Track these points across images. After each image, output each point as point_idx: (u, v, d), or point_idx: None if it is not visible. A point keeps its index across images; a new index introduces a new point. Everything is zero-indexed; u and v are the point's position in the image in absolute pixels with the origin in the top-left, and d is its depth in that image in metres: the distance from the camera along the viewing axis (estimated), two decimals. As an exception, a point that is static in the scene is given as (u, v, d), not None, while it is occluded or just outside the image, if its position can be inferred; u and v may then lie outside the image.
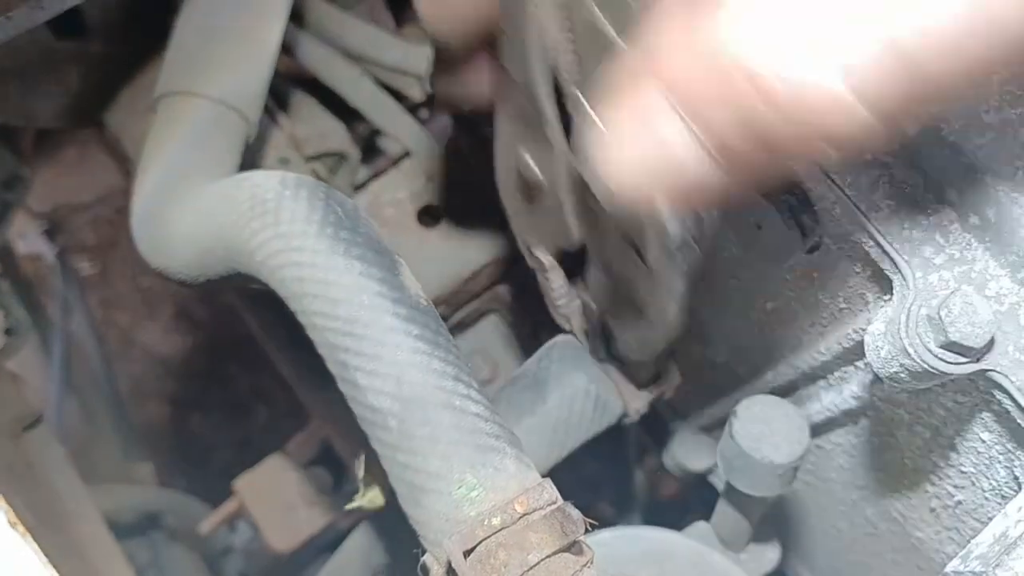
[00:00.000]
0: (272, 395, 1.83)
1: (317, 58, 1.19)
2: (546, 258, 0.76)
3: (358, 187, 1.18)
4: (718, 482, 0.93)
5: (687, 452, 0.92)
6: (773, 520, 0.88)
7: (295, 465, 1.16)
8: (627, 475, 1.24)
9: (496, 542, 0.60)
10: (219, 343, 1.91)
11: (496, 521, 0.60)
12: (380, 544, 1.00)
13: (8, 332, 1.08)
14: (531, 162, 0.69)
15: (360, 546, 1.01)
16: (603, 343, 0.77)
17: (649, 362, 0.77)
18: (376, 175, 1.16)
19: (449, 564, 0.60)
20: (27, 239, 1.53)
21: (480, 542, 0.59)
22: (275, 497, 1.14)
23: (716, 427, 0.90)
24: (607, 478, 1.27)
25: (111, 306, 1.90)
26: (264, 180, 0.70)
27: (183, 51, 0.88)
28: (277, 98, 1.17)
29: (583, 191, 0.64)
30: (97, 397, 1.63)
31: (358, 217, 0.69)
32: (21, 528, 0.49)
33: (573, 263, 0.76)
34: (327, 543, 1.18)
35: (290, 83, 1.20)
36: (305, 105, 1.20)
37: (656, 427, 1.02)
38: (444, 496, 0.61)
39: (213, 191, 0.75)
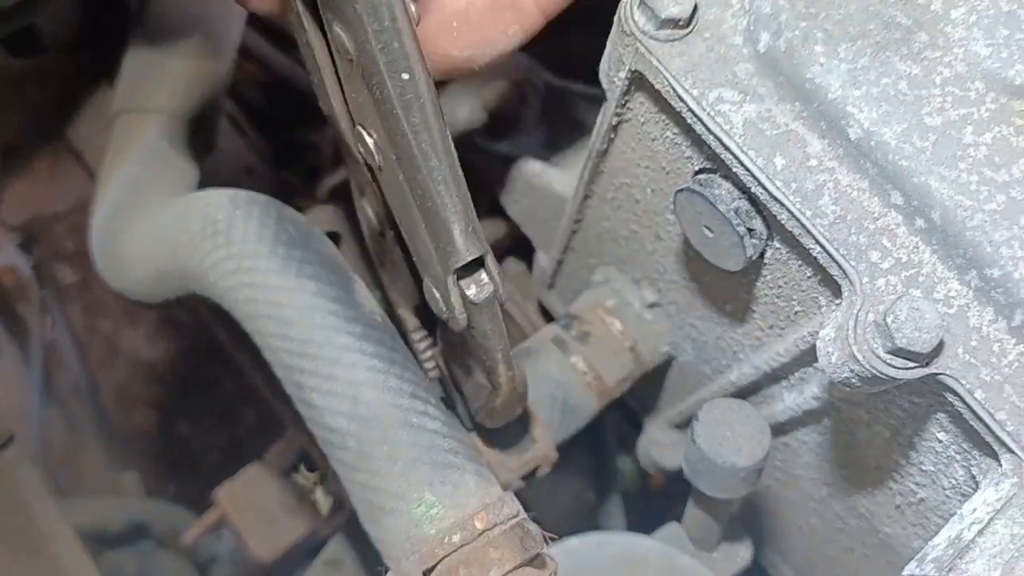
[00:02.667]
0: (259, 398, 1.83)
1: (282, 62, 1.19)
2: (410, 319, 0.74)
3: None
4: (691, 479, 0.93)
5: (660, 450, 0.92)
6: (747, 515, 0.88)
7: (275, 473, 1.16)
8: (610, 466, 1.24)
9: (456, 560, 0.59)
10: (204, 347, 1.90)
11: (456, 539, 0.60)
12: (357, 553, 1.00)
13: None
14: (368, 209, 0.66)
15: (337, 555, 1.01)
16: (465, 409, 0.72)
17: (506, 428, 0.72)
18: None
19: (410, 584, 0.60)
20: (2, 252, 1.52)
21: (440, 560, 0.59)
22: (256, 506, 1.14)
23: (687, 424, 0.90)
24: (591, 469, 1.27)
25: (94, 313, 1.89)
26: (216, 199, 0.70)
27: (137, 68, 0.88)
28: (242, 106, 1.16)
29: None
30: (81, 406, 1.62)
31: (311, 235, 0.68)
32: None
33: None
34: (311, 549, 1.19)
35: (256, 89, 1.19)
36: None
37: (638, 420, 1.02)
38: (404, 515, 0.61)
39: (166, 211, 0.75)
